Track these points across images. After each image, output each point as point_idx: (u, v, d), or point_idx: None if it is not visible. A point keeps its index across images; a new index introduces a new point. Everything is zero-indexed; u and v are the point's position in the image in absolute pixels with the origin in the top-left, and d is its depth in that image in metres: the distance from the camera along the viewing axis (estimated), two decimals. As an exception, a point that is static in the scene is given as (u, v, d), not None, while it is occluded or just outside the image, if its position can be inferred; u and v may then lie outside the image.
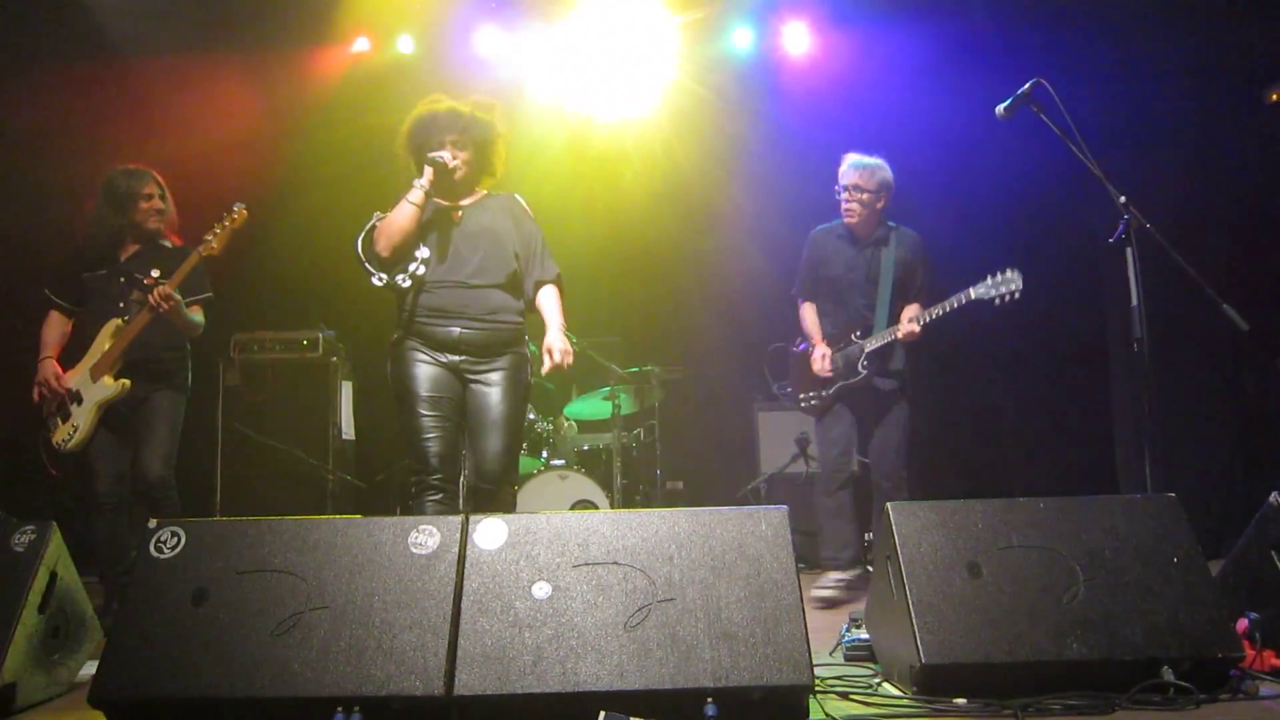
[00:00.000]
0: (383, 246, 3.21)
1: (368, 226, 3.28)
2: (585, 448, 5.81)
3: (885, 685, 2.47)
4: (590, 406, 5.92)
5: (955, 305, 3.91)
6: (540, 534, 2.26)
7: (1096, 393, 5.65)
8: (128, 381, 3.69)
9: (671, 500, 6.03)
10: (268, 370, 5.80)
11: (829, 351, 4.18)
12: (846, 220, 4.22)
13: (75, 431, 3.67)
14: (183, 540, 2.32)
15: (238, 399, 5.74)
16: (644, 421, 6.11)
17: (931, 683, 2.24)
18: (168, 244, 3.95)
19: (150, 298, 3.60)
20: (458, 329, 3.18)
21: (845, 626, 2.89)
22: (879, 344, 4.10)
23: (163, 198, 3.91)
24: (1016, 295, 3.80)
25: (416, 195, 3.18)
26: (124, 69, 5.75)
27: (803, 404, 4.32)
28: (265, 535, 2.31)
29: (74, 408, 3.71)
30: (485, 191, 3.44)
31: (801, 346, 4.41)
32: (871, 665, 2.68)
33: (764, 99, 6.41)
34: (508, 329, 3.26)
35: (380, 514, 6.03)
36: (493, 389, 3.21)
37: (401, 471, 6.12)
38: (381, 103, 6.23)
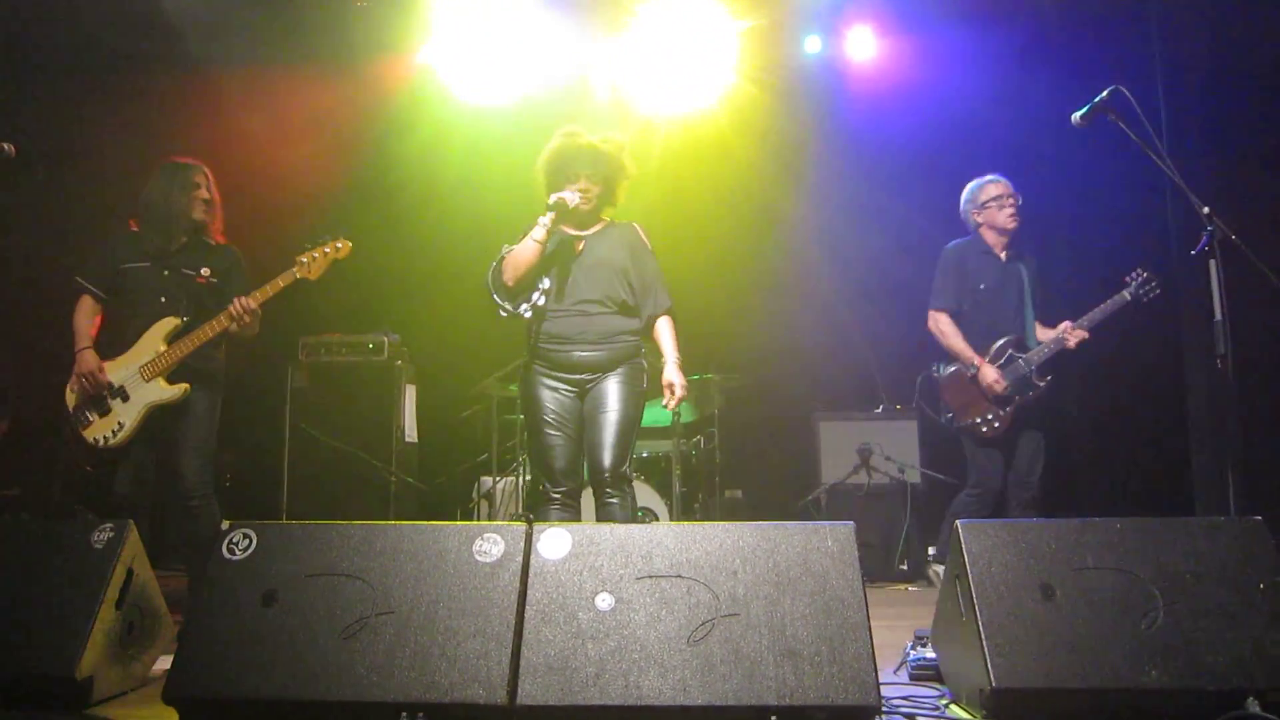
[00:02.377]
0: (509, 277, 3.43)
1: (496, 260, 3.48)
2: (645, 455, 5.81)
3: (953, 708, 2.42)
4: (651, 414, 5.90)
5: (1112, 309, 4.04)
6: (604, 545, 2.26)
7: (1173, 410, 5.47)
8: (188, 386, 3.62)
9: (730, 509, 5.99)
10: (334, 373, 5.90)
11: (997, 370, 4.15)
12: (1011, 225, 4.27)
13: (120, 430, 3.56)
14: (254, 542, 2.37)
15: (305, 401, 5.85)
16: (704, 429, 6.08)
17: (1002, 707, 2.17)
18: (212, 242, 3.86)
19: (233, 309, 3.56)
20: (578, 353, 3.41)
21: (910, 644, 2.84)
22: (1044, 356, 4.14)
23: (210, 191, 3.82)
24: (1157, 291, 4.00)
25: (540, 233, 3.37)
26: (200, 80, 5.91)
27: (983, 428, 4.19)
28: (334, 539, 2.35)
29: (115, 404, 3.59)
30: (607, 220, 3.64)
31: (952, 368, 4.32)
32: (938, 686, 2.63)
33: (828, 104, 6.35)
34: (623, 346, 3.47)
35: (441, 516, 6.12)
36: (609, 393, 3.41)
37: (462, 475, 6.21)
38: (447, 108, 6.34)
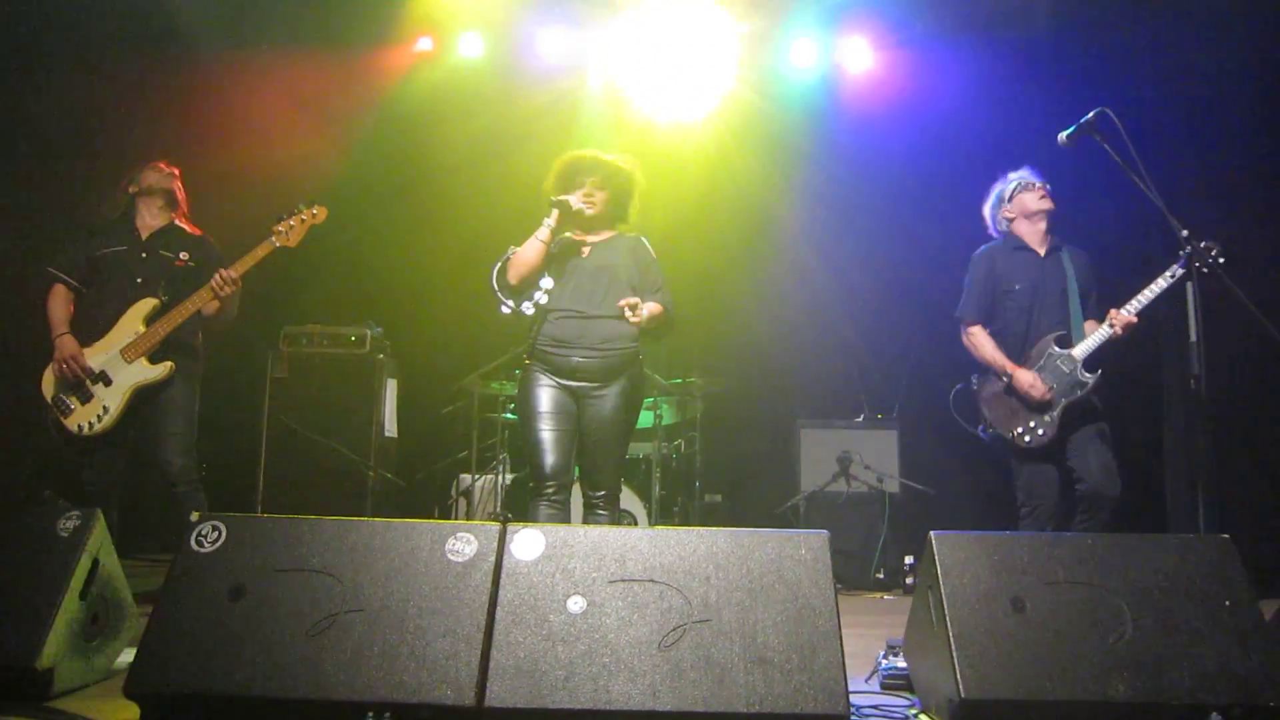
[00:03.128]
0: (512, 276, 3.51)
1: (502, 259, 3.56)
2: (625, 457, 5.80)
3: (922, 717, 2.42)
4: (631, 416, 5.91)
5: (1165, 286, 3.59)
6: (578, 547, 2.25)
7: (1149, 429, 5.51)
8: (172, 364, 3.61)
9: (709, 513, 5.99)
10: (314, 364, 5.86)
11: (1034, 374, 3.82)
12: (1045, 205, 3.98)
13: (105, 414, 3.57)
14: (223, 535, 2.34)
15: (284, 391, 5.81)
16: (684, 433, 6.09)
17: (970, 718, 2.18)
18: (185, 228, 3.89)
19: (214, 281, 3.57)
20: (576, 357, 3.44)
21: (882, 653, 2.84)
22: (1089, 350, 3.78)
23: (178, 187, 3.89)
24: (1221, 260, 3.38)
25: (544, 233, 3.47)
26: (188, 64, 5.86)
27: (1025, 438, 3.82)
28: (305, 534, 2.32)
29: (98, 389, 3.58)
30: (616, 232, 3.71)
31: (989, 379, 4.00)
32: (908, 695, 2.63)
33: (819, 113, 6.37)
34: (622, 354, 3.50)
35: (418, 513, 6.09)
36: (606, 408, 3.47)
37: (441, 471, 6.18)
38: (440, 102, 6.33)
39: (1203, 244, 3.41)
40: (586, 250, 3.61)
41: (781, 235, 6.48)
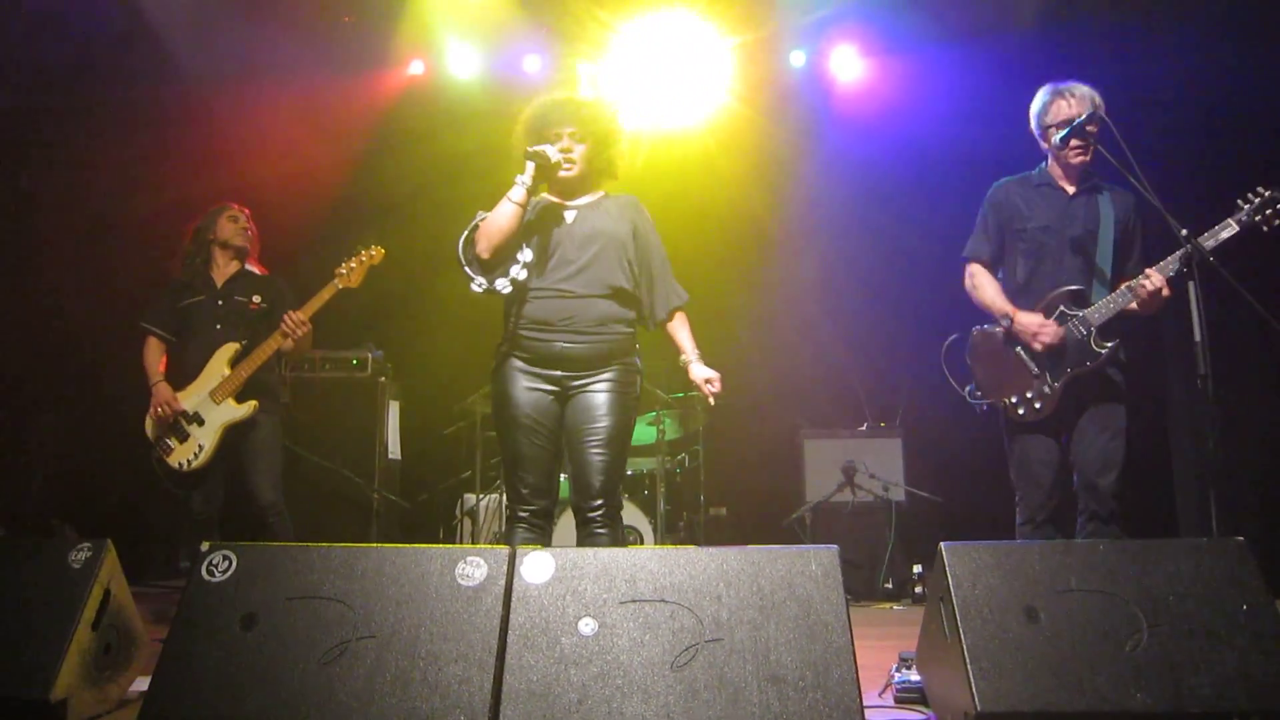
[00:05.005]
0: (482, 248, 2.94)
1: (470, 226, 3.01)
2: (629, 472, 5.80)
3: (937, 730, 2.41)
4: (635, 431, 5.90)
5: (1225, 236, 3.04)
6: (587, 569, 2.24)
7: (1155, 430, 5.50)
8: (256, 403, 3.92)
9: (714, 527, 5.98)
10: (317, 388, 5.86)
11: (1041, 316, 3.19)
12: (1076, 159, 3.29)
13: (200, 452, 3.89)
14: (234, 564, 2.34)
15: (288, 417, 5.80)
16: (688, 447, 6.08)
17: (987, 731, 2.17)
18: (255, 271, 4.19)
19: (285, 325, 3.81)
20: (560, 343, 2.93)
21: (895, 667, 2.83)
22: (1106, 314, 3.15)
23: (248, 224, 4.20)
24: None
25: (518, 193, 2.91)
26: (185, 96, 5.90)
27: (1021, 411, 3.22)
28: (315, 562, 2.32)
29: (193, 429, 3.92)
30: (604, 193, 3.17)
31: (983, 328, 3.39)
32: (923, 709, 2.62)
33: (814, 123, 6.40)
34: (615, 340, 3.01)
35: (423, 534, 6.09)
36: (597, 402, 2.95)
37: (444, 492, 6.17)
38: (435, 123, 6.35)
39: (1264, 192, 3.03)
40: (571, 214, 3.05)
41: (779, 245, 6.50)
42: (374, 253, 3.96)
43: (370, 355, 5.90)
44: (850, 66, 6.34)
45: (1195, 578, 2.33)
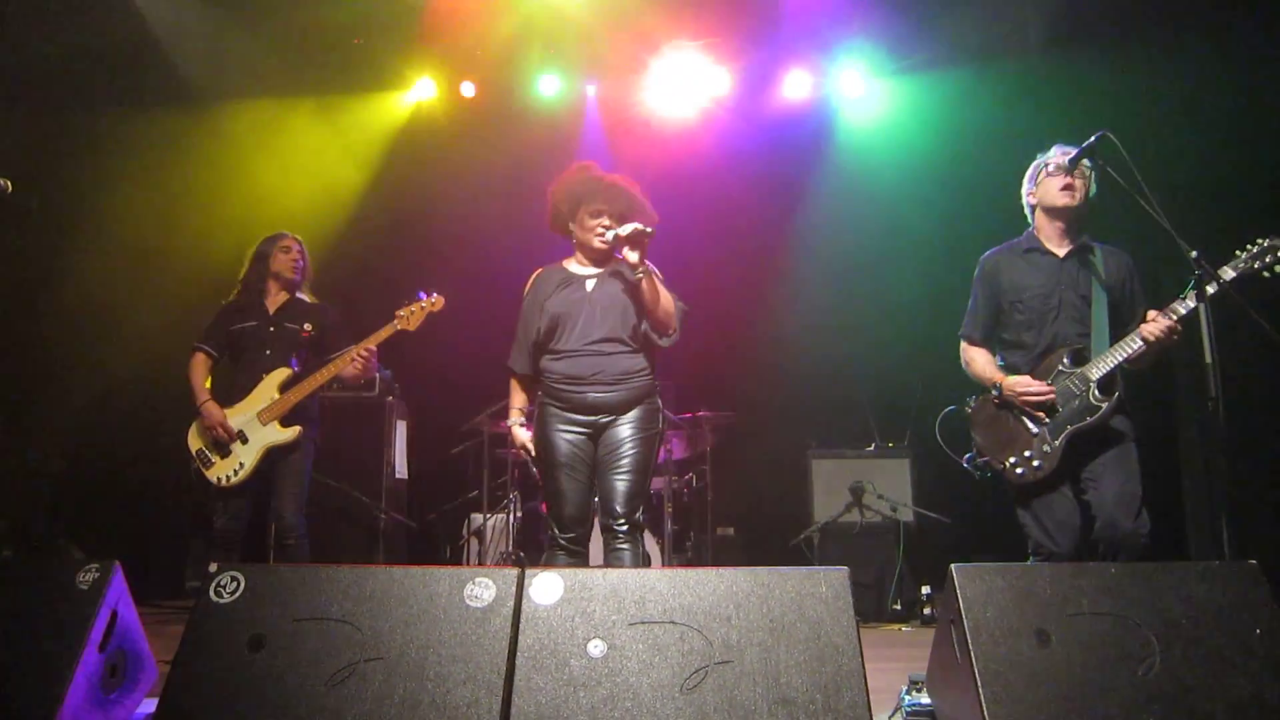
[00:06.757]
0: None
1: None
2: (646, 485, 5.78)
3: (948, 755, 2.39)
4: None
5: (1191, 306, 3.10)
6: (596, 590, 2.24)
7: (1165, 454, 5.47)
8: (300, 428, 4.01)
9: (722, 547, 5.96)
10: (325, 408, 5.85)
11: (1027, 376, 3.29)
12: (1063, 201, 3.35)
13: (240, 469, 3.97)
14: (242, 585, 2.34)
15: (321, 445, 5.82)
16: (696, 467, 6.06)
17: (998, 755, 2.15)
18: (306, 299, 4.29)
19: (355, 354, 3.96)
20: (592, 394, 3.38)
21: (905, 689, 2.81)
22: (1106, 368, 3.22)
23: (301, 255, 4.29)
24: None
25: (516, 430, 3.55)
26: (199, 116, 5.95)
27: (1020, 472, 3.24)
28: (323, 583, 2.31)
29: (236, 446, 4.00)
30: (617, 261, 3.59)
31: (980, 396, 3.49)
32: (933, 732, 2.60)
33: (822, 143, 6.43)
34: (639, 386, 3.44)
35: (430, 554, 6.07)
36: (623, 435, 3.39)
37: (452, 512, 6.16)
38: (444, 144, 6.40)
39: (1263, 242, 3.11)
40: (592, 284, 3.50)
41: (786, 266, 6.51)
42: (435, 300, 4.08)
43: (378, 375, 5.91)
44: (855, 88, 6.38)
45: (1208, 601, 2.31)
